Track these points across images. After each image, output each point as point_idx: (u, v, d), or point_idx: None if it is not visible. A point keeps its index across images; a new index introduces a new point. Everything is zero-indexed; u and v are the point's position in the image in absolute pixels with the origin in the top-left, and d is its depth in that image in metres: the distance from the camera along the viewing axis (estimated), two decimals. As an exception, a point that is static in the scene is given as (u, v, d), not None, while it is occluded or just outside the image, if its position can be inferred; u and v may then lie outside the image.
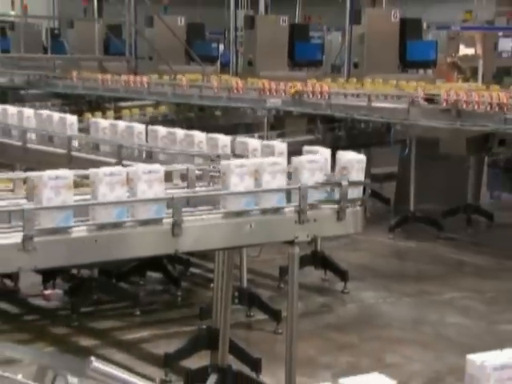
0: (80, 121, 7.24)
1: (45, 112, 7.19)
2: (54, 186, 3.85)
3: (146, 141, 6.02)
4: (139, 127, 6.14)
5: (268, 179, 4.43)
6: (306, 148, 5.17)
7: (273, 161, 4.54)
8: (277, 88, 11.13)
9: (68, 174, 3.91)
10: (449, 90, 9.72)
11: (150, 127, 6.10)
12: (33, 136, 7.00)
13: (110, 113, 11.60)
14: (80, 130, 6.79)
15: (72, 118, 6.77)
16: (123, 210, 4.06)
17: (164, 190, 4.21)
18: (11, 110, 7.30)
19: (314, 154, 4.88)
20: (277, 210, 4.52)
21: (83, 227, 3.99)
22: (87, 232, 4.06)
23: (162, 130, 5.94)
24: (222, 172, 4.41)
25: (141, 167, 4.21)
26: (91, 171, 4.07)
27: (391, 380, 2.76)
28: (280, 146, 5.11)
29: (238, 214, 4.43)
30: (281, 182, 4.50)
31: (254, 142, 5.23)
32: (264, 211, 4.52)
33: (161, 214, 4.14)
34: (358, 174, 4.76)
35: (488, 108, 8.99)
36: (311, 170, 4.58)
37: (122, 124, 6.38)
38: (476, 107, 9.11)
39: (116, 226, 4.03)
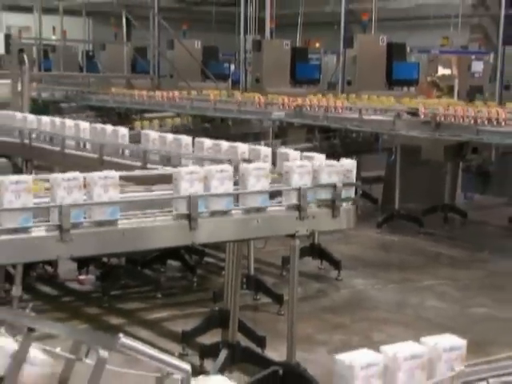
0: (131, 129, 7.07)
1: (99, 125, 7.01)
2: (15, 190, 3.73)
3: (193, 151, 5.74)
4: (186, 139, 5.85)
5: (216, 184, 4.29)
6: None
7: (221, 168, 4.38)
8: (291, 103, 11.04)
9: (27, 178, 3.75)
10: (447, 106, 9.60)
11: (196, 139, 5.80)
12: (87, 145, 6.88)
13: (156, 121, 11.75)
14: (131, 140, 6.56)
15: (123, 130, 6.56)
16: (80, 212, 3.89)
17: (118, 194, 4.01)
18: (68, 122, 7.15)
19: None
20: (225, 213, 4.40)
21: (42, 227, 3.83)
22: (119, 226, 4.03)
23: (207, 141, 5.65)
24: (174, 178, 4.26)
25: (97, 173, 4.00)
26: (51, 176, 3.91)
27: (462, 339, 2.79)
28: (319, 156, 4.98)
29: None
30: (228, 186, 4.34)
31: (294, 153, 5.06)
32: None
33: (115, 216, 3.98)
34: (302, 178, 4.64)
35: (486, 122, 8.78)
36: (257, 176, 4.42)
37: (170, 136, 6.07)
38: (472, 122, 8.93)
39: (74, 226, 3.85)
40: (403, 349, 2.74)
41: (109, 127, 6.79)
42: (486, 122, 8.81)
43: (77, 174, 3.96)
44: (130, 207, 4.21)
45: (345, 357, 2.67)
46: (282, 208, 4.66)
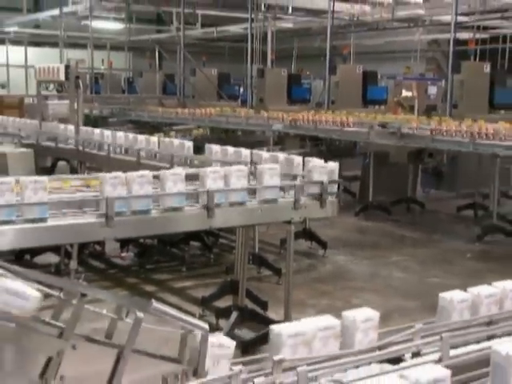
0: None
1: (167, 139, 6.75)
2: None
3: (251, 161, 5.37)
4: (245, 151, 5.47)
5: (137, 188, 4.00)
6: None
7: (141, 174, 4.09)
8: (305, 118, 10.80)
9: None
10: (439, 123, 9.31)
11: (254, 151, 5.46)
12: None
13: (195, 131, 12.31)
14: (195, 151, 6.28)
15: (189, 143, 6.31)
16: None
17: (47, 196, 3.70)
18: (140, 137, 6.98)
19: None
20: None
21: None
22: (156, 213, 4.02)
23: (265, 154, 5.33)
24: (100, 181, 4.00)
25: (28, 178, 3.70)
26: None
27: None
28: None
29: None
30: (148, 190, 4.04)
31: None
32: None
33: (45, 215, 3.67)
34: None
35: (477, 136, 8.31)
36: (174, 180, 4.18)
37: (230, 149, 5.68)
38: (464, 135, 8.51)
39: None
40: (484, 289, 3.05)
41: (175, 140, 6.54)
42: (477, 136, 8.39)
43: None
44: (162, 199, 4.18)
45: (446, 294, 2.96)
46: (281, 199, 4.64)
